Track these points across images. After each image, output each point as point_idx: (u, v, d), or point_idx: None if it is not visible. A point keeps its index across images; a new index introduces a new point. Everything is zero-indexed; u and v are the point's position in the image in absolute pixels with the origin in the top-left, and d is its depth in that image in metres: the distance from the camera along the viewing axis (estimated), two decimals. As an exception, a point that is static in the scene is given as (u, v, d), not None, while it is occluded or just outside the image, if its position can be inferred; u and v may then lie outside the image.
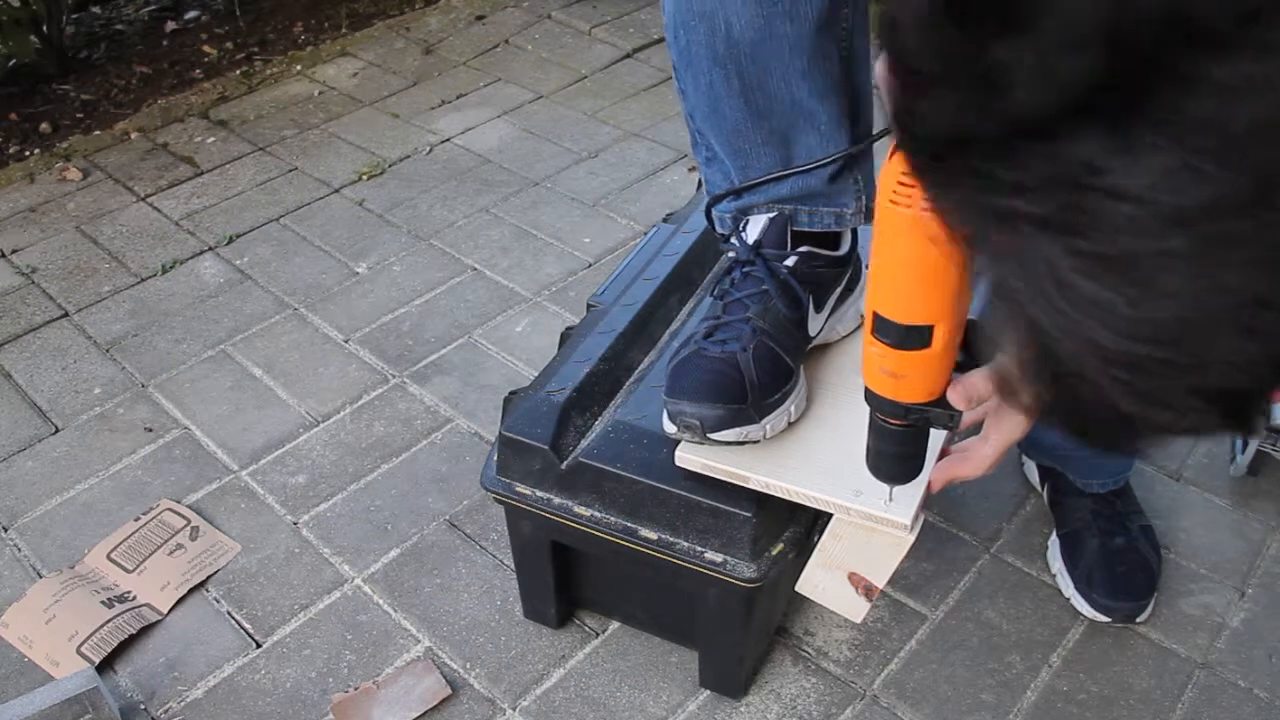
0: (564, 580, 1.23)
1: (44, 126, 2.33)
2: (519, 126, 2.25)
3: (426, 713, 1.20)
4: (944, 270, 0.72)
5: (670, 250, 1.30)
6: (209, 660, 1.27)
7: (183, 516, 1.43)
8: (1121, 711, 1.19)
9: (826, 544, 1.00)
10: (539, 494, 1.11)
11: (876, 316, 0.76)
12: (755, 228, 1.07)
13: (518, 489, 1.12)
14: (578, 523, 1.09)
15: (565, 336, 1.25)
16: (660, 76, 2.40)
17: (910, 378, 0.79)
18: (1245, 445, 1.43)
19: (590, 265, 1.85)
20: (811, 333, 1.08)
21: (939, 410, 0.81)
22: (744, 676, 1.20)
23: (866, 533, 0.98)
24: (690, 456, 1.02)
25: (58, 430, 1.58)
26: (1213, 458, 1.47)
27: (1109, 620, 1.26)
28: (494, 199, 2.03)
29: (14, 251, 1.94)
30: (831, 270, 1.10)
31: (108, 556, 1.38)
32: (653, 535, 1.06)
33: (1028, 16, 0.38)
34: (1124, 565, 1.28)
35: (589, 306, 1.27)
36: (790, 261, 1.06)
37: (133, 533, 1.40)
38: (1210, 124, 0.37)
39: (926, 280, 0.73)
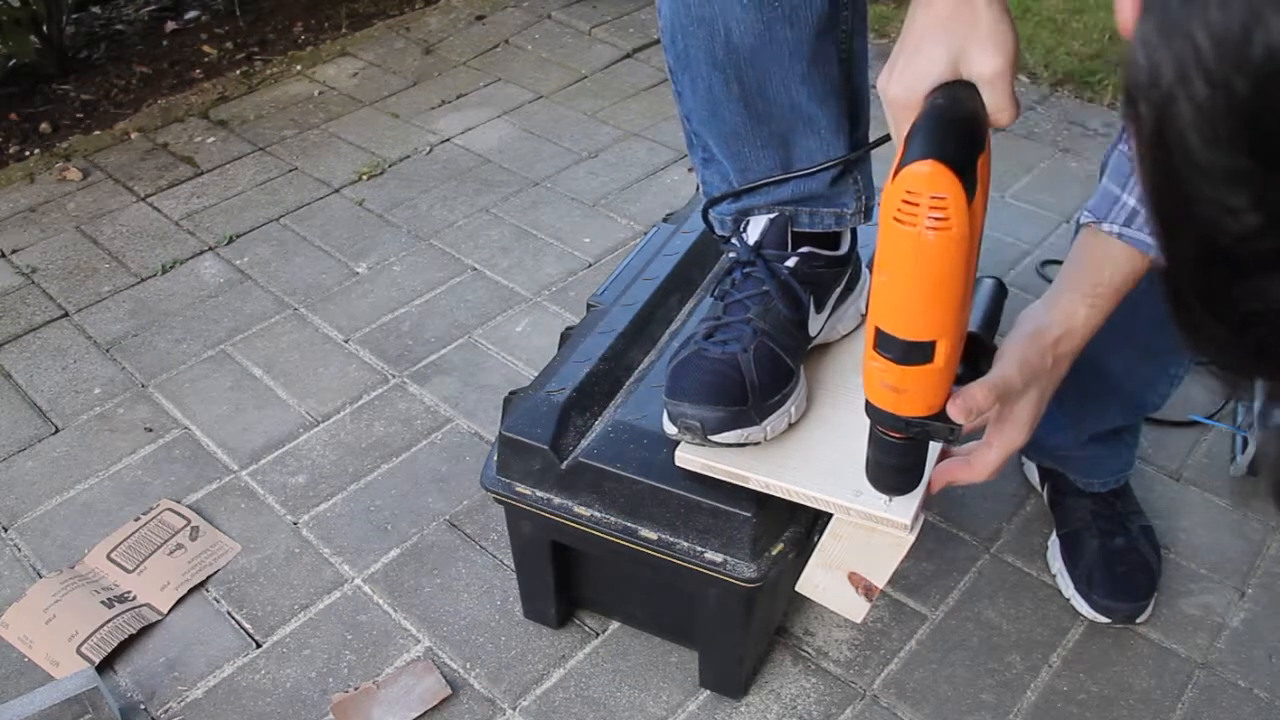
0: (564, 580, 1.23)
1: (44, 126, 2.33)
2: (519, 126, 2.25)
3: (426, 713, 1.20)
4: (947, 287, 0.73)
5: (670, 250, 1.30)
6: (209, 660, 1.27)
7: (183, 516, 1.43)
8: (1121, 711, 1.19)
9: (826, 544, 1.00)
10: (539, 494, 1.11)
11: (879, 332, 0.77)
12: (756, 229, 1.07)
13: (518, 489, 1.12)
14: (578, 523, 1.09)
15: (565, 336, 1.25)
16: (660, 76, 2.40)
17: (912, 392, 0.79)
18: (1245, 445, 1.43)
19: (590, 265, 1.85)
20: (812, 333, 1.08)
21: (939, 424, 0.82)
22: (744, 676, 1.20)
23: (866, 533, 0.98)
24: (690, 457, 1.02)
25: (58, 430, 1.58)
26: (1213, 458, 1.48)
27: (1109, 621, 1.26)
28: (494, 199, 2.03)
29: (14, 251, 1.94)
30: (832, 270, 1.10)
31: (108, 556, 1.38)
32: (653, 535, 1.06)
33: None
34: (1124, 566, 1.28)
35: (589, 306, 1.27)
36: (791, 262, 1.06)
37: (133, 533, 1.40)
38: None
39: (929, 297, 0.74)
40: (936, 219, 0.69)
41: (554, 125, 2.24)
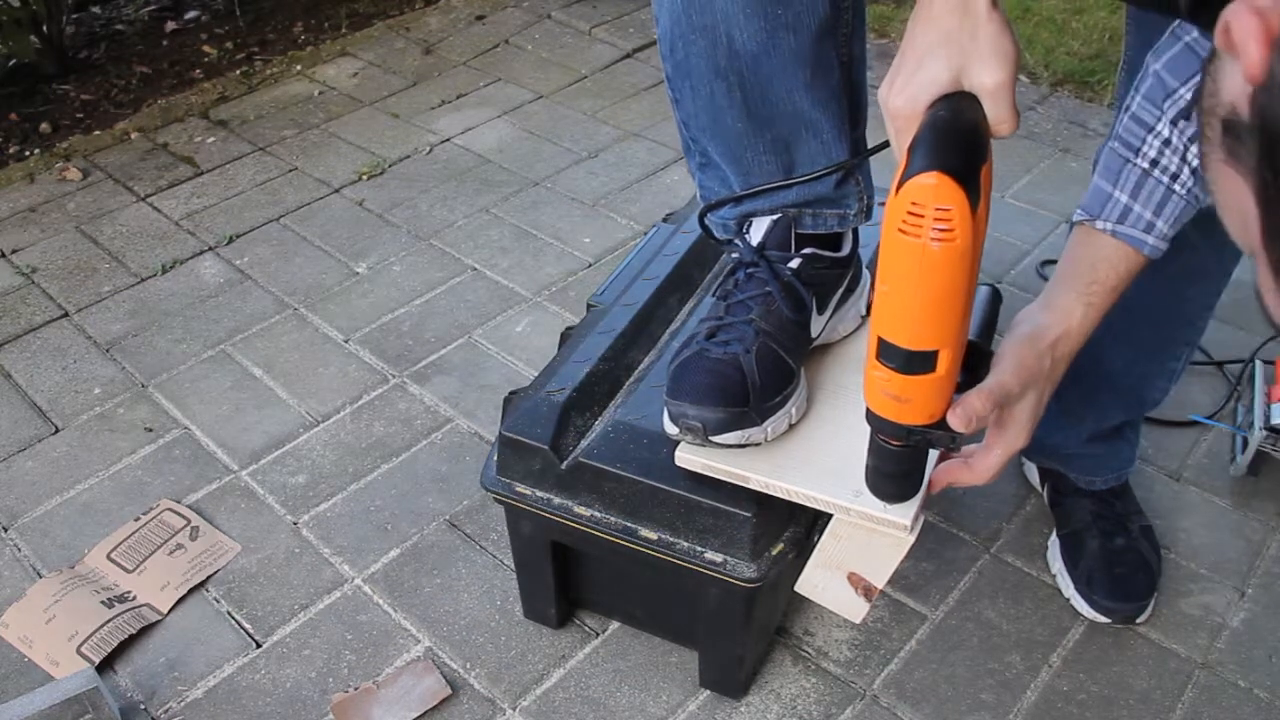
0: (564, 580, 1.23)
1: (44, 126, 2.33)
2: (519, 126, 2.25)
3: (426, 713, 1.20)
4: (950, 297, 0.73)
5: (670, 250, 1.30)
6: (209, 660, 1.27)
7: (183, 516, 1.43)
8: (1121, 711, 1.19)
9: (826, 544, 1.00)
10: (539, 494, 1.11)
11: (882, 342, 0.78)
12: (759, 230, 1.06)
13: (518, 489, 1.12)
14: (578, 523, 1.09)
15: (565, 336, 1.25)
16: (660, 76, 2.38)
17: (914, 401, 0.80)
18: (1245, 445, 1.43)
19: (590, 265, 1.85)
20: (813, 334, 1.09)
21: (940, 432, 0.82)
22: (744, 676, 1.20)
23: (866, 533, 0.98)
24: (690, 457, 1.02)
25: (58, 430, 1.58)
26: (1213, 458, 1.48)
27: (1109, 621, 1.26)
28: (494, 199, 2.03)
29: (14, 251, 1.94)
30: (834, 272, 1.10)
31: (108, 556, 1.38)
32: (653, 535, 1.06)
33: None
34: (1124, 566, 1.28)
35: (589, 306, 1.27)
36: (794, 263, 1.06)
37: (133, 533, 1.41)
38: None
39: (933, 307, 0.74)
40: (941, 230, 0.70)
41: (554, 125, 2.24)
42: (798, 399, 1.04)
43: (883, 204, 0.74)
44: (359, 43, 2.60)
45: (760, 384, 0.99)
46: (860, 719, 1.19)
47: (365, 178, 2.10)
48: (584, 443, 1.10)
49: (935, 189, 0.69)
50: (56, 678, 1.23)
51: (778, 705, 1.20)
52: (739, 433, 0.98)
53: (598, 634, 1.28)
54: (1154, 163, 0.87)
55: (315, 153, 2.18)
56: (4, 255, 1.93)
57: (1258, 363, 1.54)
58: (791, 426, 1.04)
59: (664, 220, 1.42)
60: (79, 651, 1.26)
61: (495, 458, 1.13)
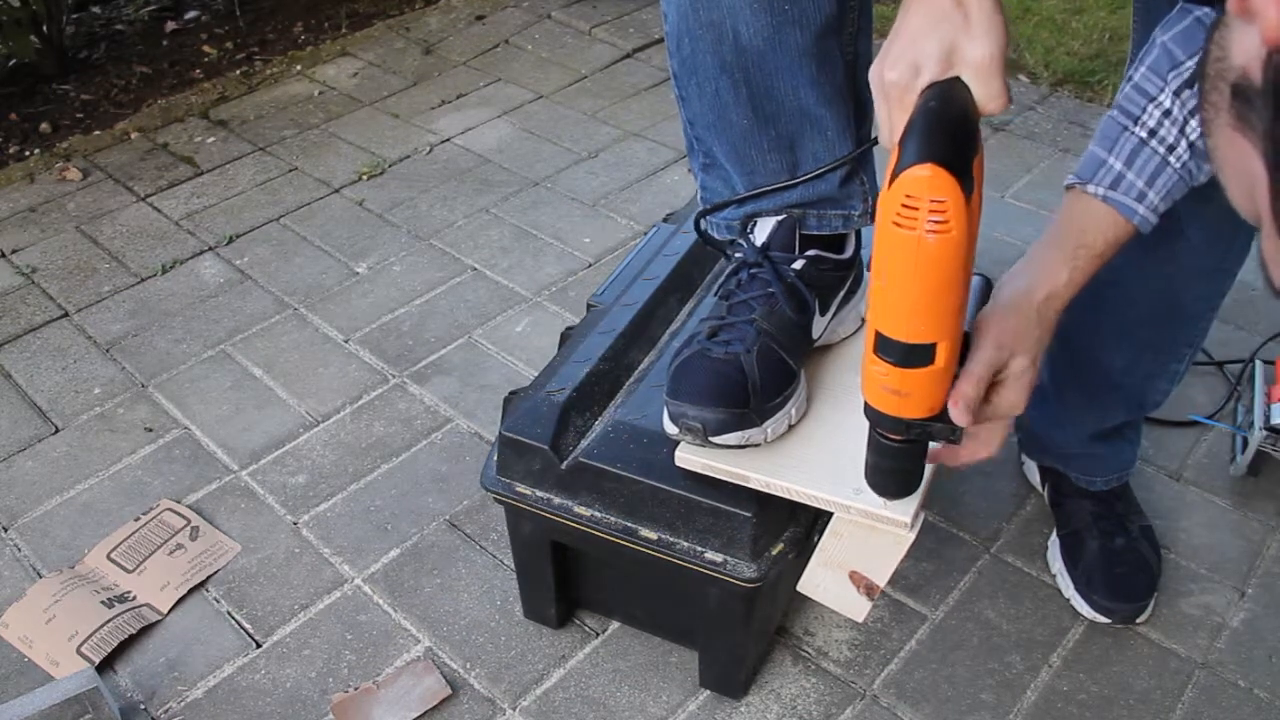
0: (564, 580, 1.23)
1: (44, 126, 2.33)
2: (519, 126, 2.25)
3: (426, 713, 1.20)
4: (947, 289, 0.73)
5: (670, 250, 1.30)
6: (209, 660, 1.27)
7: (183, 516, 1.43)
8: (1121, 711, 1.19)
9: (827, 543, 1.00)
10: (539, 494, 1.11)
11: (879, 336, 0.77)
12: (763, 230, 1.06)
13: (518, 489, 1.12)
14: (578, 523, 1.09)
15: (565, 336, 1.25)
16: (660, 76, 2.40)
17: (914, 395, 0.80)
18: (1245, 445, 1.43)
19: (590, 265, 1.85)
20: (814, 335, 1.09)
21: (940, 424, 0.82)
22: (744, 676, 1.20)
23: (867, 531, 0.98)
24: (690, 457, 1.02)
25: (58, 430, 1.58)
26: (1213, 458, 1.48)
27: (1109, 621, 1.26)
28: (494, 199, 2.03)
29: (14, 251, 1.94)
30: (837, 273, 1.10)
31: (108, 556, 1.38)
32: (653, 535, 1.06)
33: None
34: (1124, 566, 1.28)
35: (589, 306, 1.27)
36: (798, 264, 1.06)
37: (133, 533, 1.41)
38: None
39: (930, 300, 0.74)
40: (936, 222, 0.69)
41: (554, 125, 2.24)
42: (798, 399, 1.04)
43: None
44: (359, 43, 2.60)
45: (761, 384, 0.99)
46: (860, 719, 1.19)
47: (365, 178, 2.10)
48: (584, 443, 1.10)
49: (929, 180, 0.69)
50: (56, 678, 1.23)
51: (778, 705, 1.20)
52: (739, 433, 0.98)
53: (598, 634, 1.28)
54: (1152, 132, 0.87)
55: (315, 153, 2.18)
56: (4, 255, 1.93)
57: (1258, 363, 1.54)
58: (791, 427, 1.04)
59: (664, 220, 1.42)
60: (79, 651, 1.26)
61: (495, 458, 1.13)
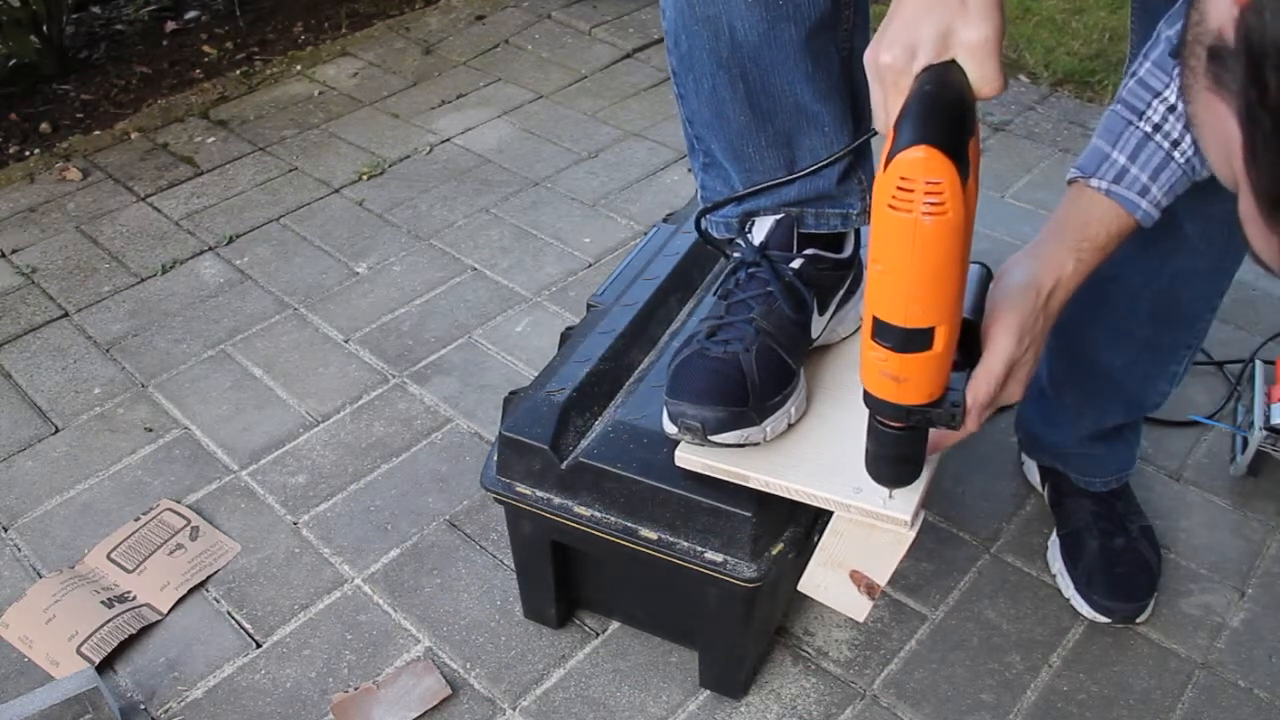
0: (564, 580, 1.23)
1: (44, 126, 2.33)
2: (519, 126, 2.25)
3: (426, 713, 1.20)
4: (944, 272, 0.73)
5: (670, 250, 1.30)
6: (209, 660, 1.27)
7: (183, 516, 1.43)
8: (1121, 711, 1.19)
9: (828, 542, 1.00)
10: (539, 494, 1.11)
11: (876, 321, 0.76)
12: (761, 229, 1.06)
13: (518, 489, 1.12)
14: (578, 523, 1.09)
15: (565, 336, 1.25)
16: (660, 76, 2.40)
17: (912, 381, 0.79)
18: (1245, 445, 1.43)
19: (590, 265, 1.85)
20: (813, 335, 1.08)
21: (940, 410, 0.81)
22: (744, 676, 1.20)
23: (867, 530, 0.98)
24: (690, 456, 1.02)
25: (58, 430, 1.58)
26: (1213, 458, 1.48)
27: (1109, 621, 1.26)
28: (494, 199, 2.03)
29: (14, 251, 1.94)
30: (836, 273, 1.10)
31: (108, 556, 1.38)
32: (653, 535, 1.06)
33: None
34: (1124, 566, 1.28)
35: (589, 306, 1.27)
36: (796, 264, 1.06)
37: (133, 533, 1.41)
38: None
39: (927, 283, 0.73)
40: (932, 204, 0.69)
41: (554, 125, 2.24)
42: (797, 399, 1.04)
43: None
44: (359, 43, 2.60)
45: (760, 383, 0.99)
46: (860, 719, 1.19)
47: (365, 178, 2.10)
48: (584, 443, 1.10)
49: (925, 162, 0.68)
50: (56, 678, 1.23)
51: (778, 705, 1.20)
52: (738, 432, 0.98)
53: (598, 634, 1.28)
54: (1156, 127, 0.87)
55: (315, 153, 2.18)
56: (4, 255, 1.93)
57: (1258, 363, 1.54)
58: (791, 426, 1.04)
59: (664, 220, 1.42)
60: (79, 651, 1.26)
61: (495, 458, 1.13)
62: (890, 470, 0.89)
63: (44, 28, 2.45)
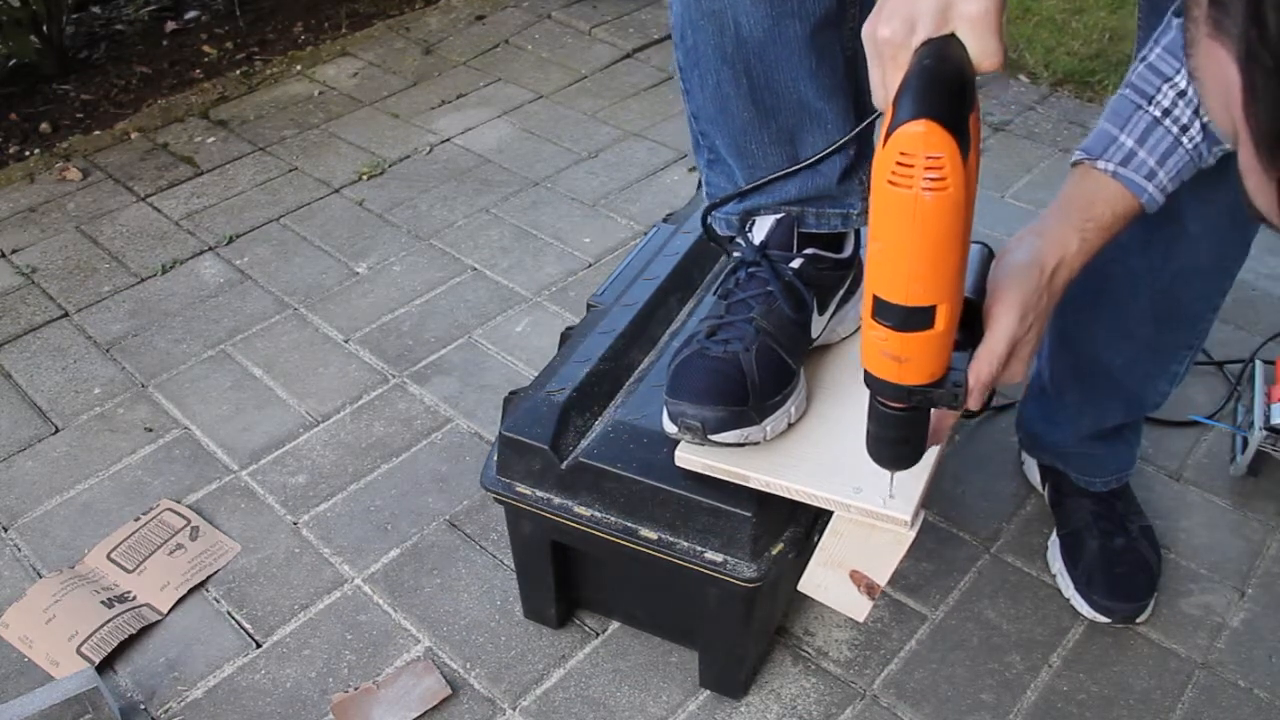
0: (564, 580, 1.23)
1: (44, 126, 2.33)
2: (519, 126, 2.25)
3: (426, 713, 1.20)
4: (945, 249, 0.71)
5: (670, 250, 1.30)
6: (209, 660, 1.27)
7: (183, 516, 1.43)
8: (1121, 711, 1.19)
9: (828, 542, 1.00)
10: (539, 494, 1.11)
11: (877, 300, 0.75)
12: (761, 229, 1.07)
13: (518, 489, 1.12)
14: (578, 523, 1.09)
15: (565, 336, 1.25)
16: (660, 76, 2.40)
17: (914, 360, 0.77)
18: (1245, 445, 1.43)
19: (590, 265, 1.85)
20: (813, 334, 1.09)
21: (941, 390, 0.80)
22: (744, 676, 1.20)
23: (867, 530, 0.98)
24: (690, 456, 1.02)
25: (58, 430, 1.58)
26: (1213, 458, 1.48)
27: (1109, 621, 1.26)
28: (494, 199, 2.03)
29: (14, 251, 1.94)
30: (836, 273, 1.10)
31: (108, 556, 1.38)
32: (653, 535, 1.06)
33: None
34: (1124, 566, 1.28)
35: (589, 306, 1.27)
36: (796, 263, 1.06)
37: (133, 533, 1.41)
38: None
39: (928, 260, 0.72)
40: (933, 179, 0.67)
41: (554, 125, 2.24)
42: (797, 398, 1.04)
43: None
44: (359, 43, 2.60)
45: (760, 383, 0.99)
46: (860, 719, 1.19)
47: (365, 178, 2.10)
48: (584, 443, 1.10)
49: (925, 137, 0.67)
50: (56, 678, 1.23)
51: (778, 705, 1.20)
52: (738, 431, 0.98)
53: (598, 634, 1.28)
54: (1166, 112, 0.86)
55: (315, 153, 2.18)
56: (4, 255, 1.93)
57: (1258, 363, 1.54)
58: (791, 425, 1.04)
59: (664, 220, 1.42)
60: (79, 651, 1.26)
61: (495, 458, 1.13)
62: (891, 451, 0.87)
63: (44, 28, 2.45)
